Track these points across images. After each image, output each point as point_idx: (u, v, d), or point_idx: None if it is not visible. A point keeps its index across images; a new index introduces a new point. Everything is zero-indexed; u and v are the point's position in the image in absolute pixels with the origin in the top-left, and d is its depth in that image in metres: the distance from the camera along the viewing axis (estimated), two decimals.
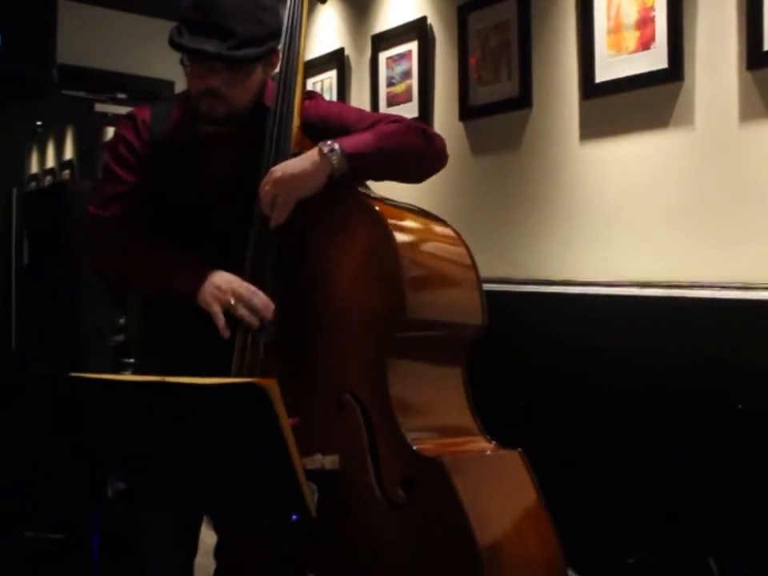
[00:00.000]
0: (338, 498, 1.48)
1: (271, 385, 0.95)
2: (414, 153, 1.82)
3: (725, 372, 2.24)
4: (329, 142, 1.70)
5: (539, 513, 1.53)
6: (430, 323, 1.57)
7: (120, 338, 5.43)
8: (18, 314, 4.27)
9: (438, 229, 1.74)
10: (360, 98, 3.88)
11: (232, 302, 1.65)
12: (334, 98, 4.00)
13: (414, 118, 3.51)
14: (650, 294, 2.51)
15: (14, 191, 4.06)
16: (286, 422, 0.97)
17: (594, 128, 2.82)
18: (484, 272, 3.09)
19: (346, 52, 3.97)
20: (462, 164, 3.32)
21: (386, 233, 1.58)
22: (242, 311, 1.65)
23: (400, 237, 1.59)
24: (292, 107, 1.79)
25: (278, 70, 1.86)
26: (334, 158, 1.68)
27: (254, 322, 1.65)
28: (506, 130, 3.13)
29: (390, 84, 3.67)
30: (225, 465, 1.02)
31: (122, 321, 5.71)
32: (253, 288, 1.67)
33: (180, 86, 4.81)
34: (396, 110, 3.61)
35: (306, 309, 1.67)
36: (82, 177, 6.74)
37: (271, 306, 1.65)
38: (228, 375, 1.70)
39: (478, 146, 3.27)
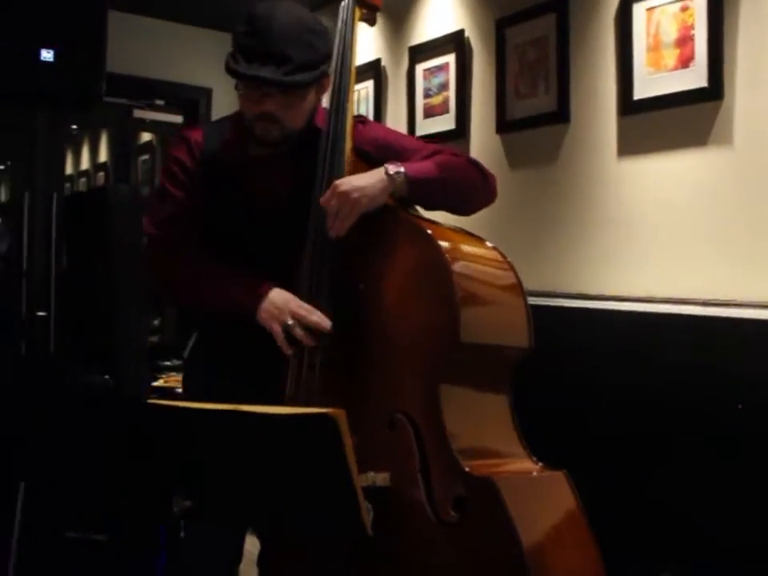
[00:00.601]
0: (388, 515, 1.52)
1: (340, 416, 0.99)
2: (470, 187, 1.88)
3: (765, 393, 2.26)
4: (394, 164, 1.74)
5: (584, 533, 1.56)
6: (482, 346, 1.61)
7: (155, 338, 5.52)
8: (56, 318, 4.34)
9: (488, 252, 1.78)
10: (396, 110, 3.92)
11: (289, 322, 1.70)
12: (371, 109, 4.04)
13: (451, 131, 3.57)
14: (686, 312, 2.53)
15: (55, 195, 4.12)
16: (351, 451, 1.01)
17: (631, 144, 2.85)
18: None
19: (383, 63, 4.01)
20: (498, 177, 3.29)
21: (440, 256, 1.62)
22: (299, 331, 1.70)
23: (453, 260, 1.63)
24: (344, 129, 1.83)
25: (329, 92, 1.90)
26: (399, 179, 1.73)
27: (309, 342, 1.70)
28: (544, 144, 3.16)
29: (426, 96, 3.71)
30: (288, 488, 1.07)
31: (156, 322, 5.80)
32: (309, 307, 1.71)
33: (218, 93, 4.89)
34: (433, 122, 3.66)
35: (360, 328, 1.70)
36: (116, 180, 6.84)
37: (328, 324, 1.70)
38: (277, 391, 1.75)
39: (514, 159, 3.30)
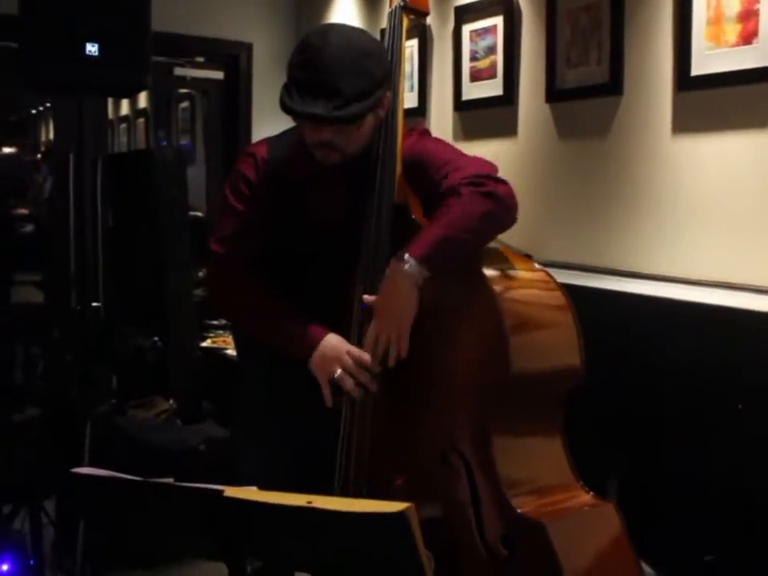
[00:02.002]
0: (441, 547, 1.56)
1: (410, 512, 1.01)
2: (485, 222, 1.75)
3: None
4: (401, 257, 1.68)
5: (629, 560, 1.60)
6: (533, 375, 1.61)
7: (200, 291, 5.58)
8: (104, 278, 4.40)
9: (534, 275, 1.76)
10: (442, 71, 3.84)
11: (336, 375, 1.72)
12: (416, 71, 3.96)
13: (498, 97, 3.49)
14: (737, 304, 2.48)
15: (99, 156, 4.13)
16: (422, 545, 1.03)
17: (687, 122, 2.77)
18: (566, 258, 3.12)
19: (428, 21, 3.91)
20: (547, 147, 3.29)
21: (487, 289, 1.61)
22: (348, 385, 1.71)
23: (501, 292, 1.62)
24: (394, 153, 1.82)
25: None
26: (413, 270, 1.67)
27: (356, 395, 1.72)
28: (595, 116, 3.08)
29: (473, 58, 3.62)
30: (356, 572, 1.11)
31: (200, 274, 5.86)
32: (359, 354, 1.71)
33: (258, 48, 4.82)
34: (479, 86, 3.58)
35: (411, 365, 1.71)
36: (155, 126, 6.84)
37: (375, 370, 1.70)
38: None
39: (564, 130, 3.23)
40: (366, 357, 1.71)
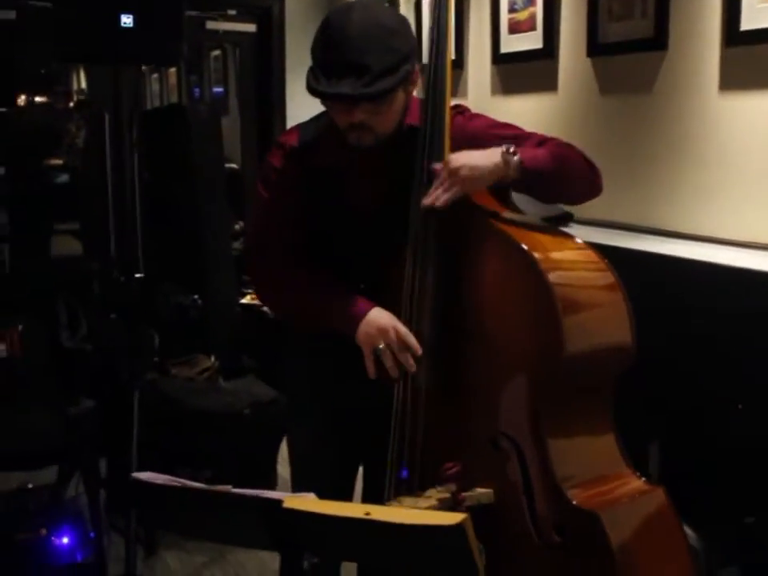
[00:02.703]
0: (493, 533, 1.57)
1: (467, 523, 1.02)
2: (581, 182, 1.82)
3: None
4: (511, 148, 1.70)
5: (680, 545, 1.61)
6: (586, 362, 1.60)
7: (238, 244, 5.60)
8: (143, 236, 4.42)
9: (582, 254, 1.73)
10: (479, 23, 3.75)
11: (380, 348, 1.72)
12: (452, 22, 3.86)
13: (538, 50, 3.41)
14: None
15: (134, 112, 4.11)
16: (479, 555, 1.05)
17: (735, 79, 2.68)
18: (606, 216, 3.08)
19: None
20: (589, 103, 3.22)
21: (536, 269, 1.59)
22: (388, 361, 1.71)
23: (549, 271, 1.60)
24: (442, 126, 1.76)
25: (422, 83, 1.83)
26: (513, 165, 1.69)
27: (395, 373, 1.71)
28: (638, 71, 3.00)
29: (511, 10, 3.52)
30: None
31: (237, 226, 5.88)
32: (405, 333, 1.71)
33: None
34: (518, 39, 3.49)
35: (463, 347, 1.71)
36: (187, 75, 6.78)
37: (418, 353, 1.69)
38: (382, 389, 1.78)
39: (606, 85, 3.15)
40: (411, 338, 1.71)
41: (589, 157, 1.87)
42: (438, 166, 1.72)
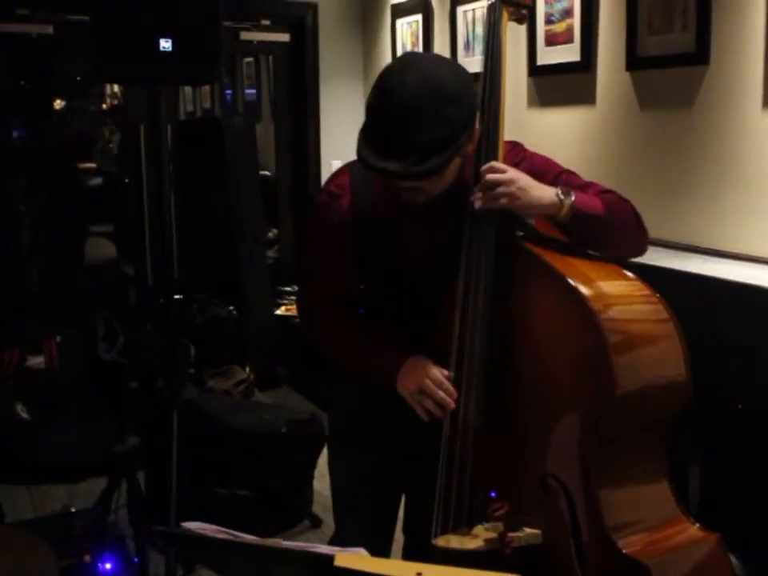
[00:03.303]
0: (539, 573, 1.56)
1: None
2: (626, 237, 1.78)
3: None
4: (566, 189, 1.68)
5: None
6: (639, 402, 1.57)
7: (272, 253, 5.63)
8: (179, 247, 4.45)
9: (632, 287, 1.70)
10: (515, 35, 3.71)
11: (416, 397, 1.72)
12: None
13: (575, 63, 3.37)
14: None
15: (170, 122, 4.13)
16: None
17: None
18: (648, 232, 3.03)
19: None
20: (628, 117, 3.18)
21: (586, 309, 1.55)
22: (428, 404, 1.70)
23: (600, 310, 1.56)
24: (496, 155, 1.73)
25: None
26: (566, 204, 1.66)
27: (439, 414, 1.70)
28: (679, 86, 2.96)
29: (548, 21, 3.49)
30: None
31: (270, 234, 5.90)
32: (438, 379, 1.70)
33: (324, 8, 4.73)
34: (554, 51, 3.46)
35: (513, 387, 1.69)
36: (221, 83, 6.79)
37: (452, 397, 1.68)
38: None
39: (645, 100, 3.11)
40: (444, 383, 1.69)
41: (641, 216, 1.82)
42: (496, 164, 1.67)
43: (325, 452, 3.36)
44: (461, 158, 1.71)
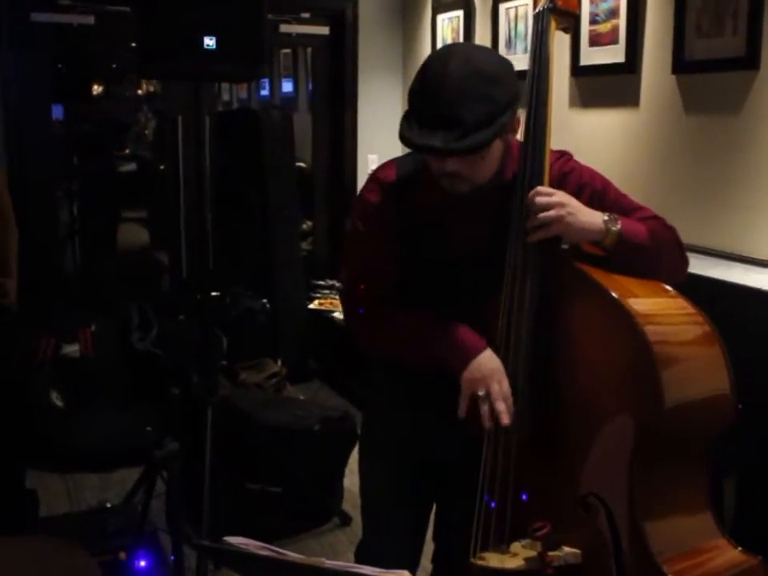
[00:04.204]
0: None
1: None
2: (669, 266, 1.76)
3: None
4: (614, 216, 1.67)
5: None
6: (683, 419, 1.54)
7: (307, 245, 5.62)
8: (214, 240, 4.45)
9: (676, 304, 1.67)
10: (559, 34, 3.66)
11: (480, 394, 1.68)
12: (530, 31, 3.79)
13: (620, 64, 3.32)
14: None
15: (207, 119, 4.14)
16: None
17: None
18: (688, 240, 2.98)
19: None
20: (672, 122, 3.13)
21: (633, 325, 1.53)
22: (484, 409, 1.67)
23: (648, 330, 1.54)
24: (542, 171, 1.71)
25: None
26: (612, 231, 1.65)
27: (487, 424, 1.67)
28: (727, 91, 2.90)
29: (593, 21, 3.43)
30: None
31: (305, 227, 5.89)
32: (507, 389, 1.68)
33: (364, 2, 4.69)
34: (599, 52, 3.41)
35: (555, 401, 1.67)
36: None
37: (506, 419, 1.65)
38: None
39: (692, 104, 3.06)
40: (509, 394, 1.68)
41: (683, 245, 1.81)
42: (543, 188, 1.67)
43: (356, 449, 3.41)
44: (503, 143, 1.72)
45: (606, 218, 1.66)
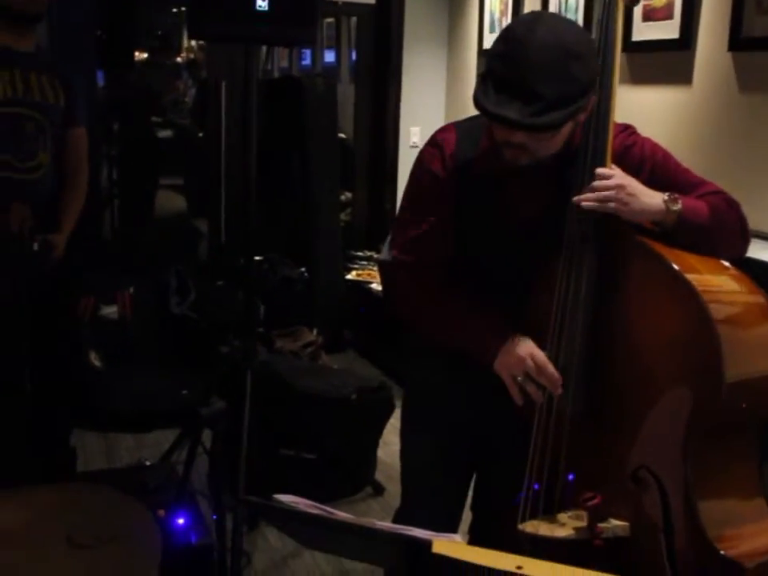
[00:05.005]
0: (626, 566, 1.53)
1: None
2: (730, 243, 1.72)
3: None
4: (675, 195, 1.63)
5: None
6: (743, 393, 1.52)
7: (346, 216, 5.60)
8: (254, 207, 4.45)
9: (741, 282, 1.64)
10: None
11: (519, 378, 1.68)
12: (581, 6, 3.74)
13: (674, 40, 3.26)
14: None
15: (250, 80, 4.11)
16: None
17: None
18: None
19: None
20: (727, 100, 3.06)
21: (696, 299, 1.50)
22: (530, 387, 1.67)
23: (710, 301, 1.51)
24: (604, 148, 1.67)
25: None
26: (672, 211, 1.62)
27: (540, 399, 1.67)
28: None
29: None
30: None
31: (344, 197, 5.87)
32: (542, 362, 1.66)
33: None
34: (652, 27, 3.34)
35: (612, 375, 1.65)
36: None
37: (558, 382, 1.65)
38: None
39: (747, 83, 2.99)
40: (549, 366, 1.67)
41: (746, 222, 1.76)
42: (603, 170, 1.64)
43: (391, 420, 3.41)
44: (573, 124, 1.67)
45: (666, 197, 1.63)
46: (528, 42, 1.56)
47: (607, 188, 1.61)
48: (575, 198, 1.64)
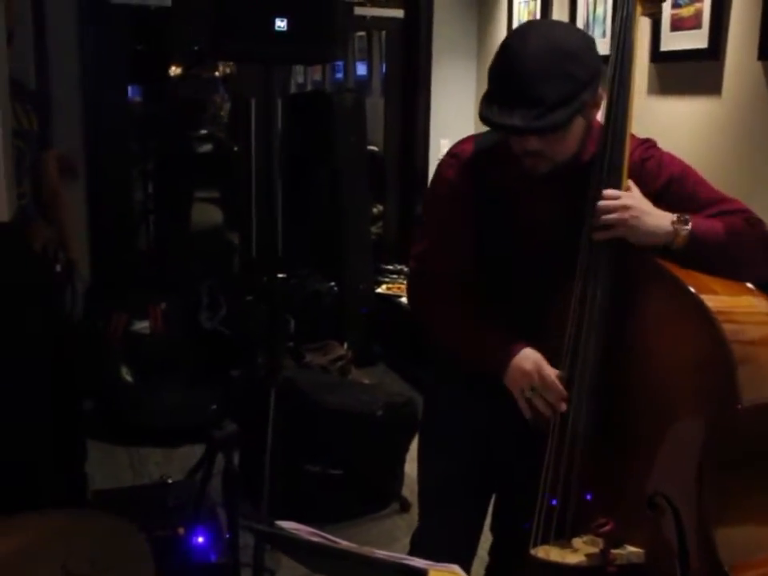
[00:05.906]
0: None
1: None
2: (748, 264, 1.66)
3: None
4: (685, 216, 1.61)
5: None
6: (760, 418, 1.48)
7: (377, 229, 5.60)
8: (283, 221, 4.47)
9: (759, 303, 1.60)
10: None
11: (527, 394, 1.67)
12: (608, 14, 3.70)
13: (702, 50, 3.20)
14: None
15: (279, 100, 4.15)
16: None
17: None
18: None
19: None
20: (757, 111, 3.01)
21: (710, 321, 1.47)
22: (538, 402, 1.66)
23: (725, 323, 1.47)
24: (621, 162, 1.65)
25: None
26: (683, 232, 1.59)
27: (548, 414, 1.66)
28: None
29: (675, 5, 3.32)
30: None
31: (375, 211, 5.88)
32: (549, 377, 1.65)
33: None
34: (680, 37, 3.29)
35: (625, 395, 1.62)
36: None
37: (562, 398, 1.64)
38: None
39: None
40: (555, 383, 1.65)
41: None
42: (610, 191, 1.63)
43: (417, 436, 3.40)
44: (585, 120, 1.67)
45: (675, 219, 1.60)
46: (522, 51, 1.59)
47: (609, 210, 1.60)
48: (586, 229, 1.63)
